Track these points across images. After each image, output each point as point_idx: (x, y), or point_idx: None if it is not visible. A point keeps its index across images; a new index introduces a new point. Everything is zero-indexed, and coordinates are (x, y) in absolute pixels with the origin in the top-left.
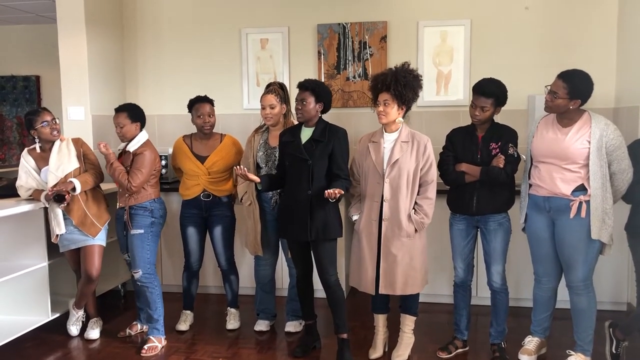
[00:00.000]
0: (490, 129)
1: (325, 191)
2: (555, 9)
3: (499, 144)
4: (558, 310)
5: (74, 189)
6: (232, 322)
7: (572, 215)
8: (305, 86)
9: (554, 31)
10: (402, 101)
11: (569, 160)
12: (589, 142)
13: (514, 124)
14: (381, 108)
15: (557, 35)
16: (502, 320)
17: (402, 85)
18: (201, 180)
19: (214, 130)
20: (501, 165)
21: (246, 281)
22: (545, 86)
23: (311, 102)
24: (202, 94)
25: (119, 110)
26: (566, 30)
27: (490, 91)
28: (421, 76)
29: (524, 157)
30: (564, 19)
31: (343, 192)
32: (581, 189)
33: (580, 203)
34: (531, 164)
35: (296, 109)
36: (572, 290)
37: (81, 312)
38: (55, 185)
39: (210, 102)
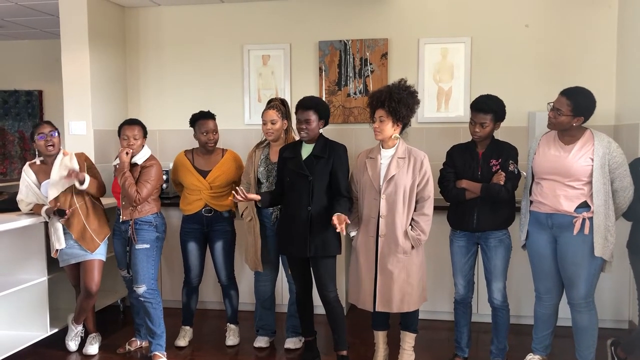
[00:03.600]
0: (490, 146)
1: (334, 219)
2: (555, 27)
3: (500, 160)
4: (559, 327)
5: (83, 181)
6: (232, 338)
7: (575, 232)
8: (308, 106)
9: (553, 48)
10: (396, 117)
11: (572, 177)
12: (592, 160)
13: (514, 141)
14: (376, 124)
15: (557, 52)
16: (503, 337)
17: (396, 101)
18: (203, 195)
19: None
20: (502, 182)
21: (246, 297)
22: (548, 103)
23: (315, 121)
24: (204, 110)
25: (132, 122)
26: (566, 47)
27: (488, 107)
28: (417, 92)
29: (524, 173)
30: (563, 37)
31: (348, 220)
32: (584, 205)
33: (584, 220)
34: (532, 180)
35: (300, 128)
36: (573, 307)
37: (80, 328)
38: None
39: (213, 118)
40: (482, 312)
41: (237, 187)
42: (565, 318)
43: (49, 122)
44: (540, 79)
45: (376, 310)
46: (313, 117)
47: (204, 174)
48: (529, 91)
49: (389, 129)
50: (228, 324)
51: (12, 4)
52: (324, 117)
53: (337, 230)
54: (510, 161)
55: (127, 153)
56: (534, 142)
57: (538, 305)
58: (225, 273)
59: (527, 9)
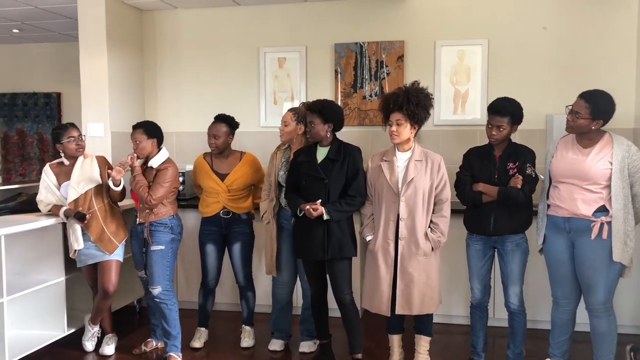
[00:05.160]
0: (507, 149)
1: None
2: (573, 29)
3: (517, 163)
4: (577, 333)
5: (117, 184)
6: (247, 340)
7: (593, 236)
8: (312, 109)
9: (572, 50)
10: (414, 120)
11: (590, 181)
12: (611, 163)
13: (531, 144)
14: (394, 128)
15: (575, 54)
16: (520, 342)
17: (414, 104)
18: (221, 197)
19: (233, 148)
20: (519, 186)
21: (262, 299)
22: (567, 106)
23: (318, 124)
24: (220, 112)
25: (136, 127)
26: (584, 49)
27: (505, 110)
28: (432, 94)
29: (542, 177)
30: (582, 39)
31: (321, 213)
32: (602, 209)
33: (602, 224)
34: (550, 184)
35: (306, 131)
36: (592, 313)
37: (97, 328)
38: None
39: (221, 121)
40: (498, 316)
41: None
42: (584, 323)
43: (75, 126)
44: (558, 81)
45: (397, 312)
46: (317, 120)
47: (222, 177)
48: (547, 94)
49: (407, 132)
50: (243, 325)
51: (31, 7)
52: (331, 120)
53: (307, 208)
54: (528, 164)
55: (132, 157)
56: (552, 145)
57: (555, 310)
58: (242, 275)
59: (545, 11)
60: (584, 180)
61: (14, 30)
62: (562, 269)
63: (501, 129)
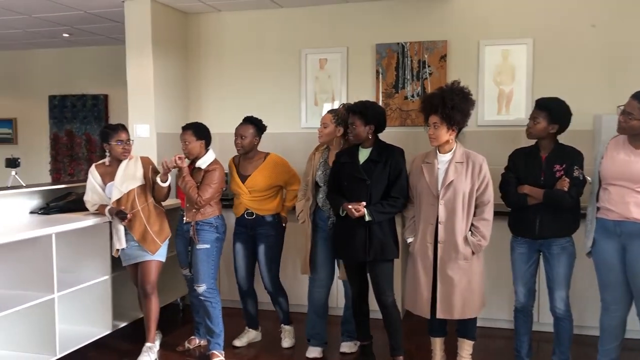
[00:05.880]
0: (554, 150)
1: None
2: (623, 26)
3: (564, 165)
4: (627, 340)
5: (166, 181)
6: (287, 339)
7: None
8: (353, 110)
9: (621, 49)
10: (450, 123)
11: None
12: None
13: (579, 145)
14: (431, 131)
15: (625, 53)
16: (566, 348)
17: (449, 107)
18: (243, 199)
19: (260, 149)
20: (566, 189)
21: (302, 299)
22: (618, 106)
23: (360, 125)
24: (262, 113)
25: (185, 128)
26: (634, 48)
27: (543, 104)
28: (471, 94)
29: (590, 179)
30: (632, 37)
31: (363, 214)
32: None
33: None
34: (599, 186)
35: (348, 132)
36: None
37: (152, 344)
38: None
39: (247, 122)
40: (543, 320)
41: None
42: (635, 330)
43: (125, 128)
44: (606, 81)
45: (437, 317)
46: (358, 121)
47: (244, 178)
48: (595, 93)
49: (444, 134)
50: (282, 325)
51: (81, 12)
52: (373, 121)
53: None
54: (575, 166)
55: (180, 158)
56: (602, 145)
57: (604, 316)
58: (268, 279)
59: (593, 8)
60: (636, 183)
61: (64, 35)
62: (612, 273)
63: (535, 122)
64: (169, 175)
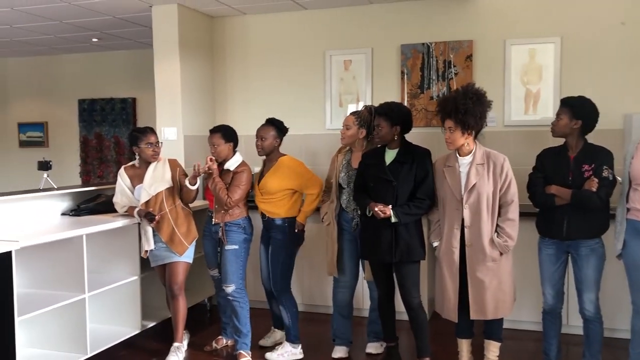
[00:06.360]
0: (583, 150)
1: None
2: None
3: (592, 165)
4: None
5: (195, 184)
6: (267, 339)
7: None
8: (379, 111)
9: None
10: (465, 128)
11: None
12: None
13: (608, 144)
14: (447, 135)
15: None
16: (596, 351)
17: (462, 112)
18: (256, 200)
19: (284, 151)
20: (594, 189)
21: (324, 300)
22: None
23: (385, 127)
24: (286, 115)
25: (213, 131)
26: None
27: (567, 101)
28: (485, 96)
29: (620, 179)
30: None
31: (389, 216)
32: None
33: None
34: (630, 186)
35: (374, 133)
36: None
37: (180, 344)
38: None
39: (271, 125)
40: (572, 323)
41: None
42: None
43: (153, 131)
44: (637, 79)
45: (471, 318)
46: (383, 123)
47: (259, 180)
48: (625, 92)
49: (460, 138)
50: (274, 328)
51: (109, 17)
52: (399, 122)
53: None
54: (605, 166)
55: (210, 160)
56: (632, 145)
57: (636, 318)
58: (272, 281)
59: (623, 6)
60: None
61: (94, 40)
62: None
63: (558, 119)
64: (197, 178)
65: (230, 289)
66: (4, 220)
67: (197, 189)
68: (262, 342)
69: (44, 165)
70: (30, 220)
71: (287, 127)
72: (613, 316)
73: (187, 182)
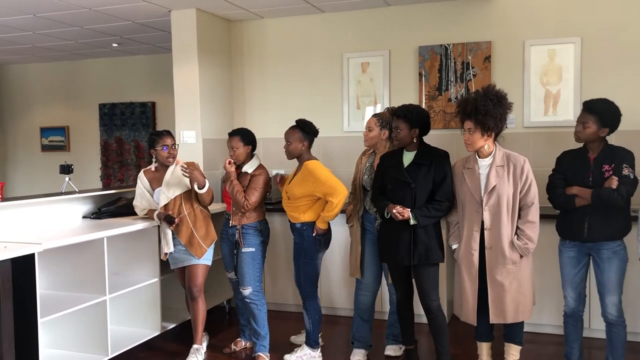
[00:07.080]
0: (603, 151)
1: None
2: None
3: (612, 165)
4: None
5: (203, 186)
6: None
7: None
8: (397, 114)
9: None
10: (484, 129)
11: None
12: None
13: (630, 146)
14: (466, 136)
15: None
16: (620, 355)
17: (482, 114)
18: (282, 203)
19: (314, 155)
20: (614, 186)
21: (345, 303)
22: None
23: (404, 129)
24: (304, 118)
25: (232, 134)
26: None
27: (593, 107)
28: (506, 98)
29: None
30: None
31: (408, 218)
32: None
33: None
34: None
35: (392, 135)
36: None
37: (199, 346)
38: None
39: (296, 127)
40: (594, 326)
41: None
42: None
43: (170, 134)
44: None
45: (491, 322)
46: (402, 125)
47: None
48: None
49: (479, 140)
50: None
51: (129, 23)
52: (417, 125)
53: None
54: (625, 165)
55: (229, 162)
56: None
57: None
58: (297, 284)
59: None
60: None
61: (114, 45)
62: None
63: (585, 126)
64: (206, 181)
65: (247, 291)
66: (27, 223)
67: (211, 192)
68: (293, 339)
69: (66, 169)
70: (53, 223)
71: (318, 128)
72: (636, 319)
73: (195, 186)
